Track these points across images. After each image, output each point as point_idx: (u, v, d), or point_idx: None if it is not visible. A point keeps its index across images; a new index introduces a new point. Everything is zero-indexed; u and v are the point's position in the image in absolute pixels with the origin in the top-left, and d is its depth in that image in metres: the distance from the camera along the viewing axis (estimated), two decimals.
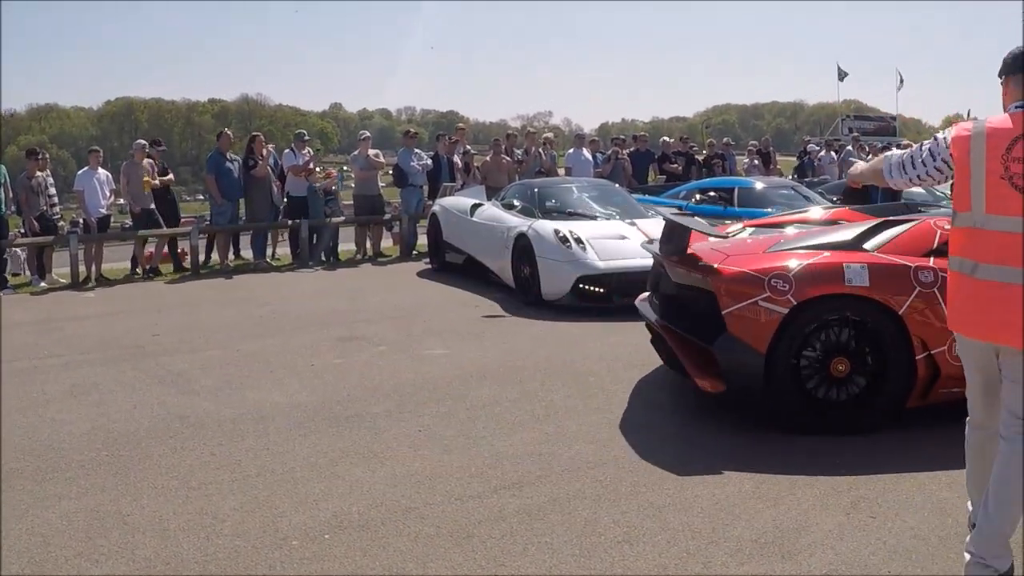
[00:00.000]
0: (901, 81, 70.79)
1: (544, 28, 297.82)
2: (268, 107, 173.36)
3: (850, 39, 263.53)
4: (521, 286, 13.66)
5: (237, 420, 7.71)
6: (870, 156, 27.90)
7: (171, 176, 18.12)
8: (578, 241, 12.96)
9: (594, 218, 14.53)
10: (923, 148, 4.90)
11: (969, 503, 5.06)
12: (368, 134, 21.19)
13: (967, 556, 4.54)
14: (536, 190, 15.55)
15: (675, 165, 23.61)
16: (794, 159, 29.84)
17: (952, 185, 4.75)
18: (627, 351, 10.07)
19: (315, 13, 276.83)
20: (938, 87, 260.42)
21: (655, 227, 12.92)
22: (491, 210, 15.64)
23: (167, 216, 18.19)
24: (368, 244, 19.87)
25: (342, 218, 19.78)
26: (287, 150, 19.71)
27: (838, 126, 69.43)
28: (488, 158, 21.43)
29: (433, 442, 7.05)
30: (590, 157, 22.07)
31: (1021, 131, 4.34)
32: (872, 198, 21.40)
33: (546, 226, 13.46)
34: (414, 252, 19.65)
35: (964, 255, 4.56)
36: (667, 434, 7.24)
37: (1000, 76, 4.68)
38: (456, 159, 20.91)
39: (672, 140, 26.11)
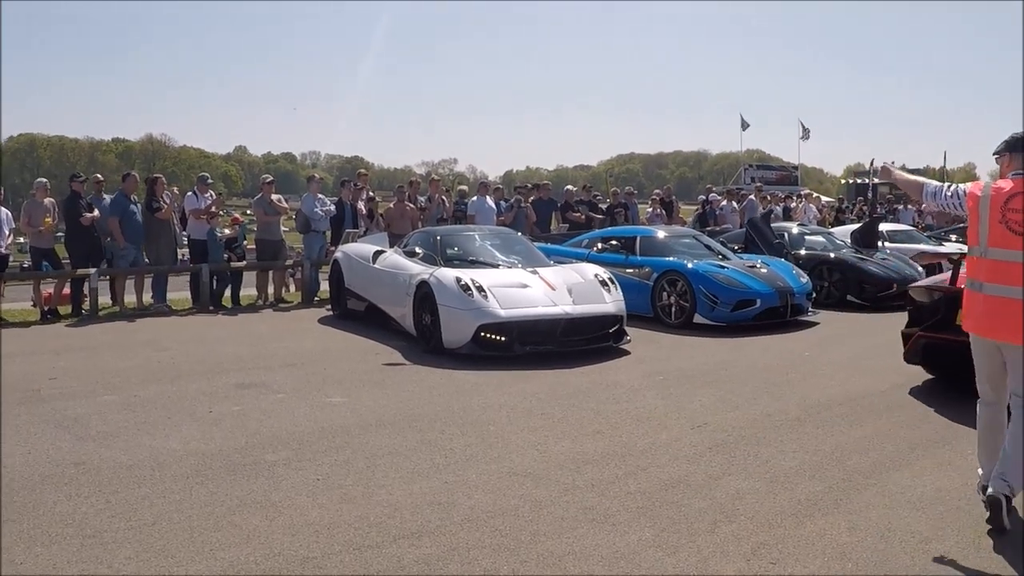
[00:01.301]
0: (805, 131, 71.73)
1: (450, 76, 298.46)
2: (172, 148, 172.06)
3: (754, 90, 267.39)
4: (422, 334, 13.60)
5: (134, 467, 7.64)
6: (772, 205, 28.47)
7: (96, 213, 17.84)
8: (480, 289, 12.95)
9: (496, 266, 14.55)
10: (952, 188, 6.88)
11: (980, 468, 6.90)
12: (271, 178, 21.20)
13: (996, 483, 6.38)
14: (438, 237, 15.56)
15: (578, 214, 23.83)
16: (697, 208, 30.13)
17: (967, 228, 6.79)
18: (526, 399, 10.19)
19: (223, 55, 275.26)
20: (840, 138, 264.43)
21: (556, 275, 13.50)
22: (393, 257, 15.64)
23: (91, 254, 17.92)
24: (270, 289, 19.77)
25: (244, 263, 19.66)
26: (189, 193, 19.63)
27: (741, 175, 70.35)
28: (392, 205, 21.51)
29: (332, 491, 7.05)
30: (493, 205, 22.25)
31: (1017, 190, 6.31)
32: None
33: (448, 274, 13.42)
34: (316, 298, 19.61)
35: (974, 277, 6.56)
36: (566, 483, 7.30)
37: (999, 153, 6.67)
38: (360, 205, 20.95)
39: (576, 189, 26.32)
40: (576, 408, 9.89)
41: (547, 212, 24.03)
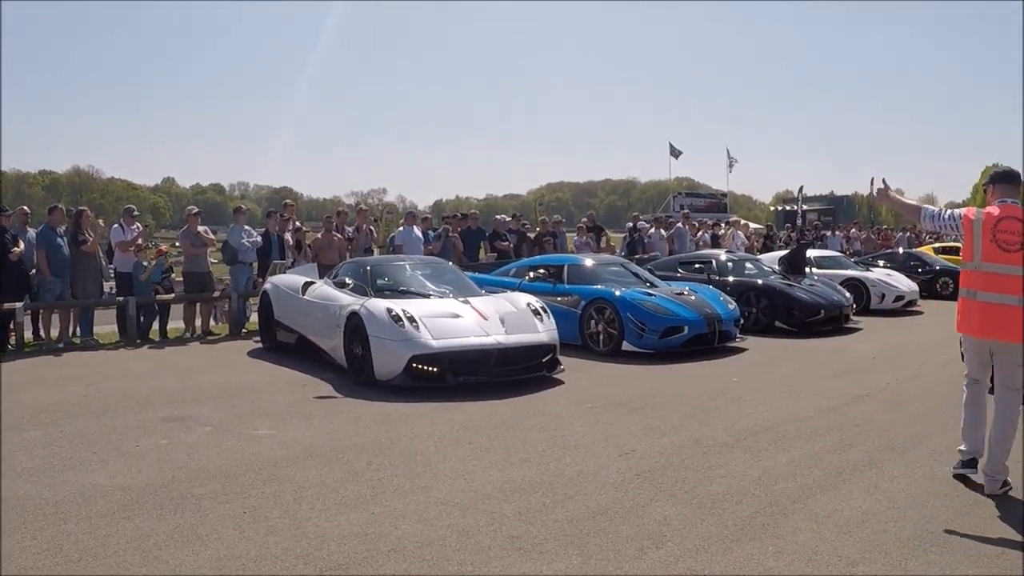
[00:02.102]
0: (732, 160, 72.28)
1: (380, 106, 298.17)
2: (100, 180, 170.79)
3: (683, 119, 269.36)
4: (353, 366, 13.42)
5: (59, 503, 7.55)
6: (700, 233, 28.66)
7: (21, 247, 17.61)
8: (411, 320, 12.85)
9: (427, 296, 14.45)
10: (948, 213, 8.22)
11: (962, 445, 8.33)
12: (197, 209, 20.97)
13: (983, 475, 7.97)
14: (368, 268, 15.42)
15: (506, 243, 23.89)
16: (624, 235, 30.14)
17: (961, 248, 8.21)
18: (454, 429, 10.19)
19: (149, 86, 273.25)
20: (767, 165, 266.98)
21: (488, 305, 13.48)
22: (323, 288, 15.51)
23: (18, 289, 17.67)
24: (197, 322, 19.62)
25: (171, 295, 19.49)
26: (116, 225, 19.49)
27: (670, 203, 70.70)
28: (319, 235, 21.44)
29: (259, 523, 7.00)
30: (420, 235, 22.25)
31: (1005, 215, 7.82)
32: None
33: (378, 305, 13.28)
34: (243, 330, 19.50)
35: (969, 287, 7.96)
36: (494, 512, 7.29)
37: (986, 185, 8.40)
38: (287, 236, 20.85)
39: (504, 218, 26.36)
40: (504, 437, 9.89)
41: (475, 241, 24.11)
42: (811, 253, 27.39)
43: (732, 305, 17.61)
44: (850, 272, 25.78)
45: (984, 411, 8.26)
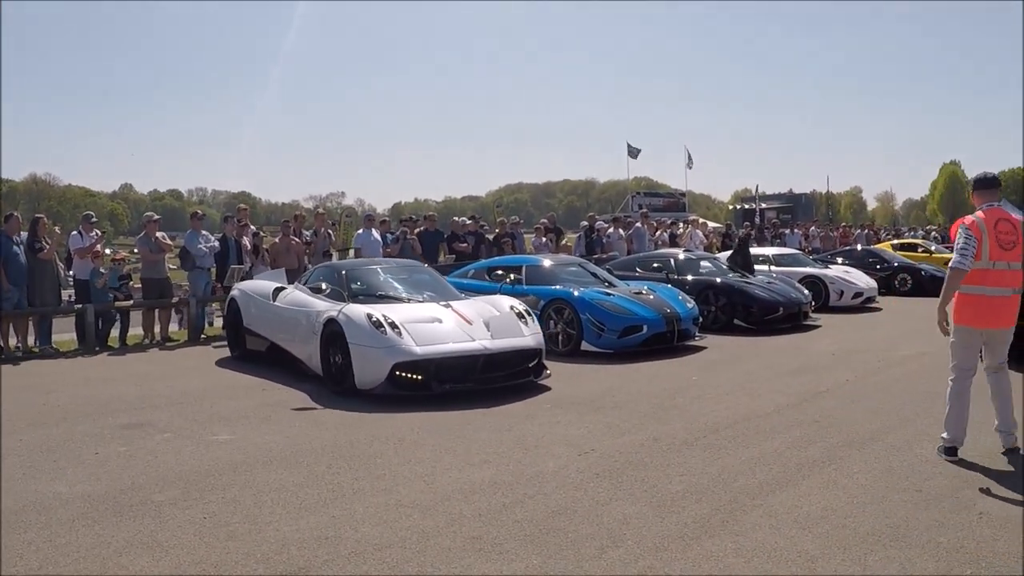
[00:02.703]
0: (690, 159, 72.54)
1: (339, 109, 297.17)
2: (57, 187, 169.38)
3: (642, 118, 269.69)
4: (332, 375, 12.91)
5: (19, 512, 7.50)
6: (659, 232, 28.75)
7: None
8: (392, 326, 12.35)
9: (406, 301, 14.00)
10: (963, 239, 8.67)
11: (944, 433, 9.02)
12: (155, 215, 20.88)
13: (998, 435, 9.10)
14: (343, 272, 14.96)
15: (464, 244, 23.91)
16: (578, 233, 30.09)
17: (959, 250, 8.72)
18: (414, 431, 10.22)
19: (107, 92, 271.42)
20: (726, 164, 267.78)
21: (470, 309, 13.50)
22: (295, 294, 14.98)
23: None
24: (156, 328, 19.53)
25: (130, 302, 19.40)
26: (74, 232, 19.42)
27: (628, 203, 70.74)
28: (277, 239, 21.41)
29: (218, 529, 6.99)
30: (379, 237, 22.24)
31: (998, 217, 8.75)
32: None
33: (357, 310, 12.76)
34: (203, 336, 19.45)
35: (981, 284, 8.73)
36: (454, 513, 7.30)
37: (974, 190, 9.14)
38: (245, 241, 20.79)
39: (462, 220, 26.37)
40: (464, 438, 9.90)
41: (434, 243, 24.12)
42: (770, 251, 27.57)
43: (691, 304, 17.68)
44: (808, 270, 25.94)
45: (968, 403, 8.99)
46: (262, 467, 8.78)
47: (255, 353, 15.86)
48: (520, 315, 13.64)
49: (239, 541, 6.70)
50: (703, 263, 22.49)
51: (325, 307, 13.59)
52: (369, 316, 12.51)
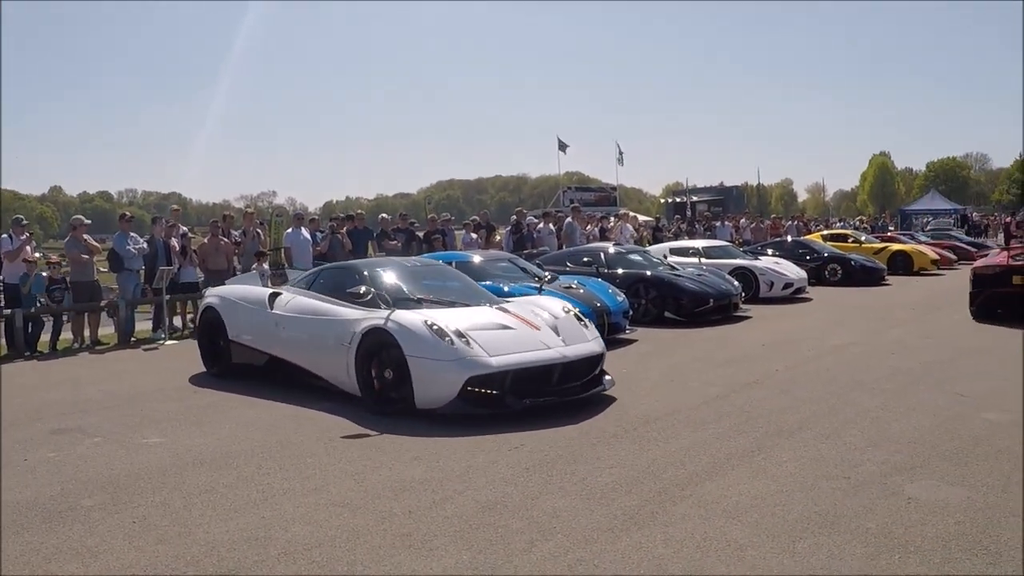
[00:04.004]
0: (621, 154, 72.66)
1: (270, 108, 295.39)
2: None
3: (573, 113, 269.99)
4: (375, 394, 11.29)
5: None
6: (589, 227, 28.86)
7: None
8: (458, 335, 10.87)
9: (454, 305, 12.48)
10: None
11: None
12: (83, 218, 20.68)
13: None
14: (365, 273, 13.00)
15: (394, 242, 23.89)
16: (508, 227, 30.06)
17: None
18: (344, 430, 10.23)
19: (34, 93, 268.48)
20: (658, 158, 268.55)
21: (528, 312, 12.11)
22: (303, 301, 13.14)
23: None
24: (87, 332, 19.36)
25: (57, 306, 19.21)
26: (4, 236, 19.22)
27: (560, 198, 70.87)
28: (206, 240, 21.28)
29: (148, 532, 6.95)
30: (308, 236, 22.19)
31: None
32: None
33: (412, 318, 11.20)
34: (132, 339, 19.29)
35: None
36: (384, 511, 7.32)
37: None
38: (174, 242, 20.65)
39: (392, 217, 26.33)
40: (394, 435, 9.90)
41: (363, 241, 24.07)
42: (700, 243, 27.79)
43: (621, 297, 17.78)
44: (739, 261, 26.09)
45: None
46: (192, 470, 8.74)
47: (244, 368, 13.96)
48: (578, 317, 12.44)
49: (168, 544, 6.67)
50: (633, 257, 22.56)
51: (358, 315, 11.83)
52: (428, 324, 11.00)
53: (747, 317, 20.99)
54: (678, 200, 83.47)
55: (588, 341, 11.80)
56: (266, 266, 21.86)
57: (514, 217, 29.44)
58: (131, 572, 6.16)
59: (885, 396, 11.44)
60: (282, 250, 22.86)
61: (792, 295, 25.45)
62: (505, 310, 12.14)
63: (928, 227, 63.97)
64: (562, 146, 69.39)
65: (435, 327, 10.88)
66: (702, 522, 6.87)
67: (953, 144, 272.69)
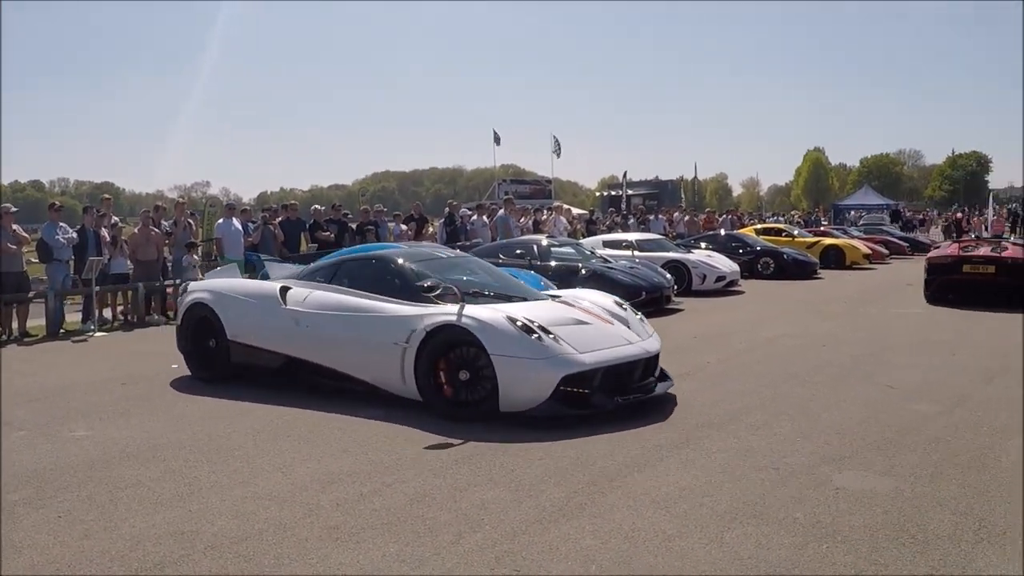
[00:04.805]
0: (557, 146, 72.75)
1: (205, 97, 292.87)
2: None
3: (510, 106, 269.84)
4: (442, 398, 10.36)
5: None
6: (523, 219, 28.88)
7: None
8: (544, 331, 10.14)
9: (510, 299, 11.71)
10: None
11: None
12: (11, 206, 20.40)
13: None
14: (410, 267, 11.99)
15: (327, 233, 23.78)
16: (441, 219, 30.02)
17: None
18: (272, 423, 10.17)
19: None
20: (593, 152, 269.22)
21: (592, 306, 11.62)
22: (331, 296, 11.89)
23: None
24: (14, 324, 19.12)
25: None
26: None
27: (495, 190, 70.98)
28: (136, 230, 21.09)
29: (73, 527, 6.88)
30: (240, 227, 22.03)
31: None
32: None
33: (490, 313, 10.36)
34: (61, 330, 19.06)
35: None
36: (311, 504, 7.29)
37: None
38: (104, 232, 20.44)
39: (324, 208, 26.23)
40: (323, 429, 9.86)
41: (296, 232, 23.98)
42: (633, 236, 27.90)
43: (553, 290, 17.76)
44: (671, 254, 26.17)
45: None
46: (119, 463, 8.65)
47: (246, 371, 12.62)
48: (635, 311, 12.04)
49: (94, 539, 6.61)
50: (566, 249, 22.60)
51: (416, 311, 10.81)
52: (512, 319, 10.18)
53: (679, 310, 21.14)
54: (613, 194, 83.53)
55: (653, 335, 11.47)
56: (197, 257, 21.70)
57: (448, 209, 29.44)
58: (56, 568, 6.09)
59: (815, 388, 11.55)
60: (214, 241, 22.72)
61: (724, 288, 25.62)
62: (569, 304, 11.51)
63: (861, 222, 64.59)
64: (497, 139, 69.47)
65: (519, 323, 10.11)
66: (631, 513, 6.90)
67: (887, 141, 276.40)
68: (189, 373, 12.95)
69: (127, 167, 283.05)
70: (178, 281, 20.43)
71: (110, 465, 8.58)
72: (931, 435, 9.18)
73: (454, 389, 10.24)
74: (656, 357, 11.06)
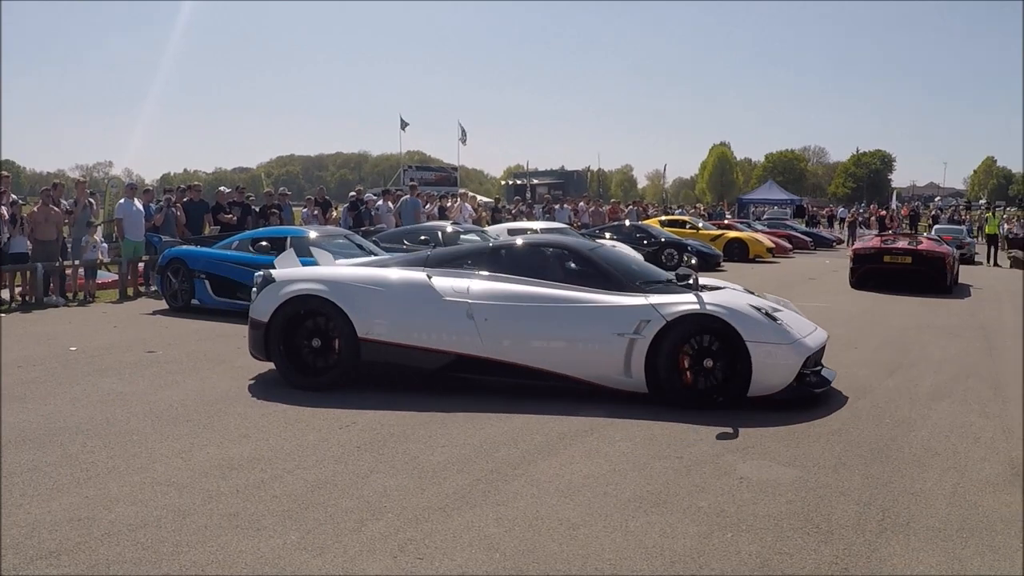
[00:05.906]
0: (464, 134, 72.71)
1: (109, 76, 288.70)
2: None
3: (417, 93, 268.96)
4: (677, 388, 10.11)
5: None
6: (428, 205, 28.90)
7: None
8: (774, 317, 10.35)
9: (667, 282, 11.36)
10: None
11: None
12: None
13: None
14: (587, 253, 11.50)
15: (230, 216, 23.62)
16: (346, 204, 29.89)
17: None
18: (172, 408, 10.03)
19: None
20: (499, 141, 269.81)
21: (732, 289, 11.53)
22: (514, 287, 10.94)
23: None
24: None
25: None
26: None
27: (400, 176, 70.94)
28: (36, 208, 20.78)
29: None
30: (141, 208, 21.78)
31: None
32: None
33: (736, 300, 10.43)
34: None
35: None
36: (211, 490, 7.20)
37: None
38: (3, 210, 20.07)
39: (228, 190, 26.00)
40: (223, 414, 9.76)
41: (199, 214, 23.81)
42: (537, 225, 27.96)
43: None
44: None
45: None
46: (14, 447, 8.45)
47: (385, 371, 11.14)
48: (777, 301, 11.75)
49: None
50: (470, 237, 22.61)
51: (640, 301, 10.39)
52: (755, 306, 10.32)
53: None
54: (519, 182, 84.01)
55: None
56: (98, 237, 21.40)
57: (353, 194, 29.32)
58: None
59: None
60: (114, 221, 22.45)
61: None
62: (748, 290, 11.73)
63: (765, 216, 65.33)
64: (403, 124, 69.33)
65: (762, 309, 10.29)
66: (534, 501, 6.90)
67: (792, 137, 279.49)
68: (88, 356, 12.72)
69: (28, 146, 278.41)
70: (76, 262, 20.20)
71: (6, 449, 8.37)
72: (834, 427, 9.31)
73: (695, 378, 10.13)
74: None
